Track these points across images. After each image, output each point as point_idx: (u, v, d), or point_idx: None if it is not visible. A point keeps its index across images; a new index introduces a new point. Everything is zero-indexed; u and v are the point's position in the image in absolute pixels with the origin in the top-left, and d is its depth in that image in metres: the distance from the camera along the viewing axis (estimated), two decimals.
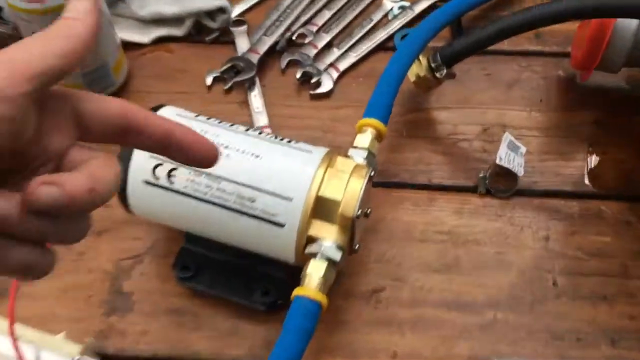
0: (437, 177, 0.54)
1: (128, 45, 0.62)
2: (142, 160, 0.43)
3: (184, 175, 0.42)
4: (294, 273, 0.44)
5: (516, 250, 0.50)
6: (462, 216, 0.52)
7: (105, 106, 0.28)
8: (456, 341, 0.46)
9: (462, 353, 0.45)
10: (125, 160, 0.43)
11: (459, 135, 0.57)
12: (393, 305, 0.48)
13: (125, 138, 0.29)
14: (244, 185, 0.42)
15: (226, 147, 0.42)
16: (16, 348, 0.42)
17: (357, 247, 0.44)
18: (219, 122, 0.45)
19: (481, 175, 0.53)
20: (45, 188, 0.24)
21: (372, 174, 0.43)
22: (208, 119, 0.45)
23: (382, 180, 0.54)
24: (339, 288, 0.48)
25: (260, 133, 0.44)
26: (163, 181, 0.43)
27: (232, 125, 0.45)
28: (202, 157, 0.30)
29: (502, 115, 0.58)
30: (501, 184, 0.53)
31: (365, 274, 0.50)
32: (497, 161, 0.52)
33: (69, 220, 0.26)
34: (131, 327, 0.47)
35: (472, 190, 0.53)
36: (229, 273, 0.47)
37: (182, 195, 0.43)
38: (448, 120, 0.57)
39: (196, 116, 0.45)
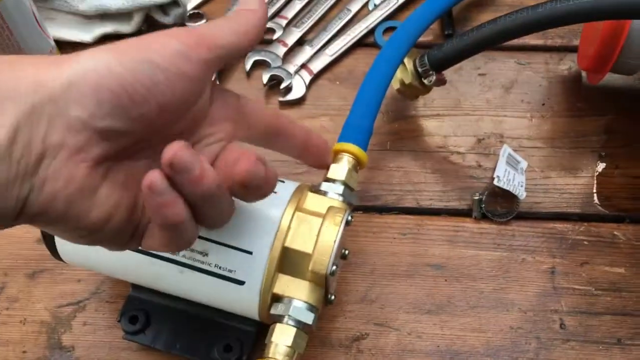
0: (426, 199, 0.47)
1: (67, 46, 0.53)
2: None
3: None
4: (262, 322, 0.37)
5: (517, 285, 0.44)
6: (455, 246, 0.45)
7: (263, 108, 0.33)
8: None
9: None
10: None
11: (450, 148, 0.49)
12: (377, 357, 0.41)
13: (276, 140, 0.33)
14: None
15: None
16: None
17: (332, 298, 0.37)
18: None
19: (476, 197, 0.46)
20: (260, 165, 0.28)
21: (350, 217, 0.35)
22: None
23: (362, 204, 0.47)
24: (312, 335, 0.41)
25: None
26: None
27: None
28: (328, 158, 0.37)
29: (499, 122, 0.50)
30: (499, 207, 0.46)
31: (344, 318, 0.43)
32: (495, 182, 0.45)
33: (228, 200, 0.29)
34: None
35: (466, 214, 0.46)
36: (184, 324, 0.40)
37: None
38: (437, 130, 0.50)
39: None
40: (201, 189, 0.27)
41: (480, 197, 0.46)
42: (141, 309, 0.40)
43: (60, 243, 0.37)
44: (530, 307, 0.43)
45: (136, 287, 0.41)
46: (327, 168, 0.37)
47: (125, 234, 0.28)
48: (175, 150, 0.25)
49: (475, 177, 0.48)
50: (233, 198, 0.29)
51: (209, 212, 0.28)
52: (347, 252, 0.38)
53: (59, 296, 0.44)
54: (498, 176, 0.45)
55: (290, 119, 0.34)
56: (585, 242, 0.45)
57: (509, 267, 0.44)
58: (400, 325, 0.42)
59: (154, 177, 0.26)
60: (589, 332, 0.42)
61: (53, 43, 0.50)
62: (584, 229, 0.46)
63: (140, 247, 0.29)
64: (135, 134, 0.27)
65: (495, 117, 0.51)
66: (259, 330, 0.39)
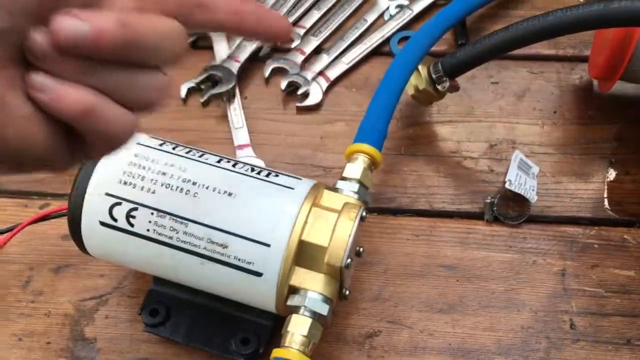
0: (439, 202, 0.48)
1: None
2: (97, 199, 0.37)
3: (146, 217, 0.36)
4: (279, 317, 0.39)
5: (528, 286, 0.45)
6: (468, 247, 0.46)
7: None
8: None
9: None
10: (78, 199, 0.37)
11: (463, 153, 0.50)
12: (390, 353, 0.42)
13: (197, 13, 0.28)
14: (214, 228, 0.36)
15: (194, 183, 0.37)
16: None
17: (347, 292, 0.39)
18: (187, 152, 0.39)
19: (488, 200, 0.47)
20: (69, 19, 0.23)
21: (364, 213, 0.37)
22: (174, 147, 0.39)
23: (376, 206, 0.48)
24: (327, 331, 0.42)
25: (234, 165, 0.38)
26: (122, 223, 0.37)
27: (202, 155, 0.39)
28: (278, 29, 0.30)
29: (512, 129, 0.51)
30: (511, 210, 0.47)
31: (358, 315, 0.44)
32: (507, 186, 0.46)
33: (123, 71, 0.25)
34: None
35: (478, 216, 0.48)
36: (203, 318, 0.42)
37: (145, 239, 0.37)
38: (451, 135, 0.51)
39: (160, 145, 0.39)
40: (67, 70, 0.24)
41: (493, 200, 0.47)
42: (161, 303, 0.42)
43: (87, 237, 0.39)
44: (541, 308, 0.44)
45: (157, 281, 0.42)
46: (286, 41, 0.33)
47: (60, 148, 0.26)
48: (31, 37, 0.23)
49: (487, 181, 0.49)
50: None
51: (117, 91, 0.25)
52: (361, 249, 0.40)
53: (83, 290, 0.45)
54: (510, 180, 0.46)
55: None
56: (596, 246, 0.46)
57: (520, 268, 0.45)
58: (413, 323, 0.43)
59: (30, 75, 0.24)
60: (599, 333, 0.43)
61: None
62: (595, 232, 0.47)
63: (88, 160, 0.28)
64: (24, 30, 0.23)
65: (508, 124, 0.52)
66: (275, 325, 0.40)
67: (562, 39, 0.54)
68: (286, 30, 0.31)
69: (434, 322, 0.43)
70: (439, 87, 0.47)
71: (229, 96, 0.53)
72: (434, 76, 0.47)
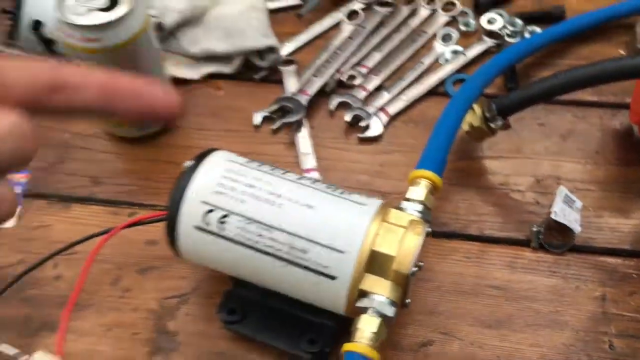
0: (489, 229, 0.53)
1: (177, 81, 0.62)
2: (193, 206, 0.42)
3: (236, 223, 0.42)
4: (343, 321, 0.43)
5: (571, 309, 0.49)
6: (515, 271, 0.51)
7: (30, 63, 0.24)
8: None
9: None
10: (175, 205, 0.43)
11: (511, 186, 0.55)
12: None
13: (60, 97, 0.24)
14: (296, 236, 0.41)
15: (279, 196, 0.42)
16: None
17: (408, 302, 0.43)
18: (271, 169, 0.44)
19: (535, 228, 0.51)
20: None
21: (429, 229, 0.41)
22: (260, 165, 0.44)
23: (432, 229, 0.52)
24: (386, 338, 0.46)
25: (313, 182, 0.44)
26: (214, 227, 0.42)
27: (284, 172, 0.44)
28: (162, 108, 0.26)
29: (556, 167, 0.56)
30: (555, 239, 0.52)
31: (414, 326, 0.48)
32: (552, 216, 0.50)
33: None
34: None
35: (524, 244, 0.52)
36: (275, 318, 0.46)
37: (233, 242, 0.42)
38: (500, 170, 0.56)
39: (247, 162, 0.44)
40: None
41: (539, 229, 0.51)
42: (238, 303, 0.47)
43: (182, 240, 0.44)
44: (582, 328, 0.48)
45: (236, 284, 0.47)
46: (172, 120, 0.29)
47: None
48: None
49: (533, 212, 0.53)
50: None
51: None
52: (422, 264, 0.44)
53: (166, 290, 0.50)
54: (555, 211, 0.51)
55: (81, 67, 0.25)
56: (634, 275, 0.50)
57: (563, 292, 0.49)
58: (464, 335, 0.48)
59: None
60: (637, 354, 0.46)
61: (167, 78, 0.59)
62: (634, 263, 0.51)
63: None
64: None
65: (553, 162, 0.56)
66: (340, 327, 0.45)
67: (604, 86, 0.59)
68: (171, 108, 0.26)
69: (484, 336, 0.47)
70: (492, 125, 0.52)
71: (298, 125, 0.59)
72: (487, 115, 0.52)
